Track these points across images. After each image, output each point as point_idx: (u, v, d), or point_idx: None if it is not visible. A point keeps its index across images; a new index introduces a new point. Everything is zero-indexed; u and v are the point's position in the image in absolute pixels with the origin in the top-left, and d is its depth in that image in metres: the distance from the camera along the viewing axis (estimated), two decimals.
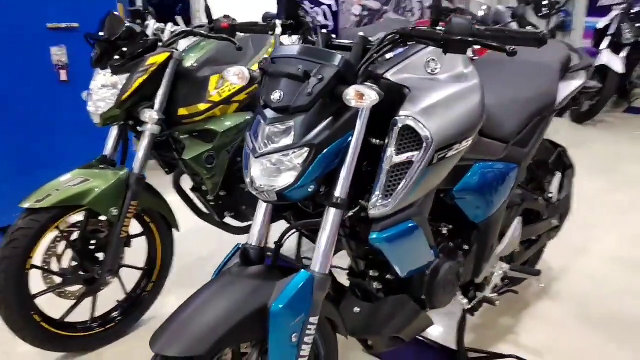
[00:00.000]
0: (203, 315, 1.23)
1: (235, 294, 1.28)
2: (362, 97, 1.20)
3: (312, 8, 5.54)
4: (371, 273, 1.68)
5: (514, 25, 4.22)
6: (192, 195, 2.44)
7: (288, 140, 1.27)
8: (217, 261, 2.95)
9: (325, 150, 1.28)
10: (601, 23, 5.51)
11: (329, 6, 5.70)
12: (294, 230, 1.54)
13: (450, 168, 1.46)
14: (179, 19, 2.43)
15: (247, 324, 1.24)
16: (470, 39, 1.23)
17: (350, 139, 1.31)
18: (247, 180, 1.35)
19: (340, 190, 1.31)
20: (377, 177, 1.36)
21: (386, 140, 1.35)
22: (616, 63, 5.13)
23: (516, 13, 4.23)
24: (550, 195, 2.24)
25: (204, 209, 2.48)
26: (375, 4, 6.28)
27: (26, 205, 1.93)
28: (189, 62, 2.12)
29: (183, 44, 2.15)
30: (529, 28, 4.32)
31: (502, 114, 1.82)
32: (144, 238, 2.30)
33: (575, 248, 2.98)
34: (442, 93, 1.40)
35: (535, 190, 2.23)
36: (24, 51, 2.92)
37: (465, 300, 1.92)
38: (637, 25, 5.30)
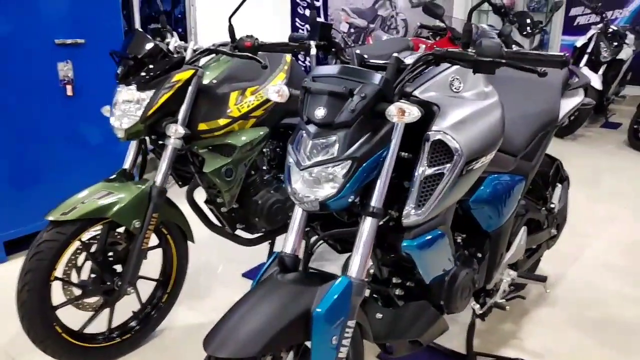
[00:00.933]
0: (251, 319, 1.29)
1: (279, 299, 1.35)
2: (403, 113, 1.29)
3: (302, 25, 5.66)
4: (394, 280, 1.77)
5: None
6: (204, 208, 2.49)
7: (332, 154, 1.35)
8: (225, 272, 3.03)
9: (365, 164, 1.37)
10: (580, 41, 5.75)
11: None
12: (319, 240, 1.62)
13: (474, 180, 1.56)
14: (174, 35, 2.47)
15: (292, 328, 1.31)
16: (500, 60, 1.34)
17: (385, 152, 1.40)
18: (289, 190, 1.43)
19: (376, 201, 1.40)
20: (410, 188, 1.45)
21: (420, 154, 1.44)
22: (595, 80, 5.36)
23: (502, 33, 4.41)
24: (552, 205, 2.36)
25: (215, 222, 2.53)
26: (362, 22, 6.44)
27: (51, 217, 1.96)
28: (208, 79, 2.19)
29: (201, 62, 2.22)
30: (513, 47, 4.50)
31: (511, 129, 1.93)
32: (157, 251, 2.35)
33: (567, 255, 3.11)
34: (469, 109, 1.50)
35: (537, 201, 2.35)
36: (32, 66, 2.95)
37: (477, 306, 2.02)
38: (614, 44, 5.55)
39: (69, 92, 3.10)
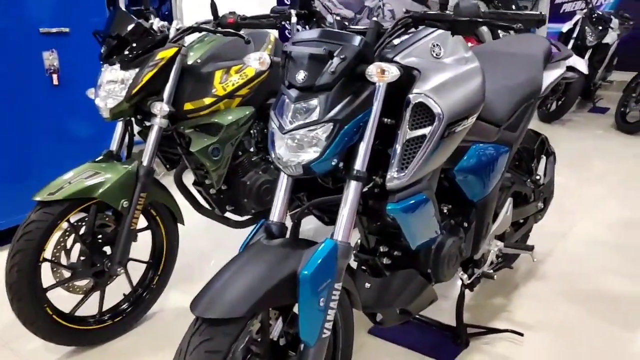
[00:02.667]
0: (238, 281, 1.30)
1: (266, 262, 1.35)
2: (383, 72, 1.31)
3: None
4: (381, 249, 1.78)
5: (484, 29, 4.43)
6: (193, 190, 2.49)
7: (313, 117, 1.36)
8: (215, 256, 3.03)
9: (347, 126, 1.38)
10: (566, 26, 5.79)
11: None
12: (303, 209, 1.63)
13: (457, 143, 1.58)
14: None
15: (279, 289, 1.31)
16: (477, 19, 1.36)
17: (367, 116, 1.41)
18: (273, 156, 1.44)
19: (360, 164, 1.41)
20: (392, 151, 1.47)
21: (402, 117, 1.45)
22: (581, 64, 5.39)
23: None
24: (537, 177, 2.38)
25: (204, 204, 2.54)
26: (349, 13, 6.45)
27: (39, 198, 1.97)
28: (193, 58, 2.20)
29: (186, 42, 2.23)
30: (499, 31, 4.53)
31: (494, 99, 1.95)
32: (147, 233, 2.35)
33: (556, 233, 3.14)
34: (449, 73, 1.52)
35: (523, 174, 2.37)
36: (17, 55, 2.95)
37: (465, 276, 2.03)
38: (599, 28, 5.59)
39: (55, 81, 3.10)
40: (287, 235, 1.54)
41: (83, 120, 3.30)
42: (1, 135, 2.96)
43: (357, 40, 1.37)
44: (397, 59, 1.48)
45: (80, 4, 3.18)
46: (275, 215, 1.55)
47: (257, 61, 1.51)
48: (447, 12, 1.40)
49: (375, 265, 1.80)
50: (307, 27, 1.65)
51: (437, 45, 1.57)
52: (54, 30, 3.06)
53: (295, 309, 1.47)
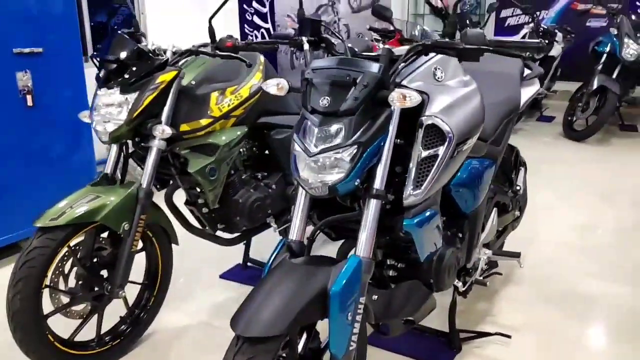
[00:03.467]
0: (273, 300, 1.36)
1: (295, 280, 1.41)
2: (405, 98, 1.40)
3: (251, 31, 5.72)
4: (388, 262, 1.87)
5: None
6: (183, 210, 2.51)
7: (337, 140, 1.44)
8: (203, 274, 3.04)
9: (369, 148, 1.46)
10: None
11: (267, 29, 5.91)
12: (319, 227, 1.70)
13: (462, 160, 1.69)
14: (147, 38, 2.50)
15: (310, 306, 1.38)
16: (485, 47, 1.47)
17: (384, 138, 1.50)
18: (298, 178, 1.51)
19: (379, 183, 1.50)
20: (408, 171, 1.56)
21: (415, 138, 1.55)
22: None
23: (446, 33, 4.64)
24: (517, 188, 2.54)
25: (195, 224, 2.55)
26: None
27: (40, 224, 1.94)
28: (187, 80, 2.23)
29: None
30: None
31: None
32: (139, 254, 2.35)
33: (524, 238, 3.31)
34: (454, 96, 1.63)
35: (504, 184, 2.52)
36: None
37: (460, 284, 2.15)
38: (545, 41, 5.92)
39: (29, 102, 3.04)
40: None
41: (58, 141, 3.25)
42: None
43: (375, 67, 1.46)
44: (404, 83, 1.57)
45: (53, 25, 3.13)
46: (294, 234, 1.61)
47: (275, 87, 1.58)
48: (457, 40, 1.51)
49: (381, 278, 1.89)
50: (316, 53, 1.72)
51: (439, 69, 1.68)
52: (27, 50, 3.01)
53: (318, 325, 1.55)
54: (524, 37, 6.03)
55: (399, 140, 1.61)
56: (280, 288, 1.40)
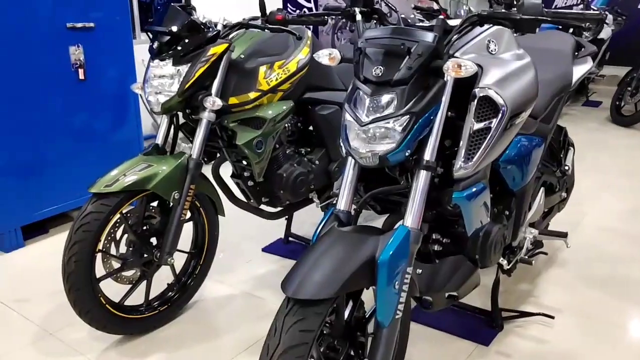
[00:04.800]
0: (323, 265, 1.38)
1: (345, 247, 1.43)
2: (460, 67, 1.39)
3: (294, 10, 5.72)
4: (434, 236, 1.87)
5: None
6: (229, 183, 2.55)
7: (390, 110, 1.44)
8: (246, 248, 3.09)
9: (421, 119, 1.46)
10: None
11: (309, 9, 5.90)
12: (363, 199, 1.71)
13: (514, 134, 1.67)
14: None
15: (359, 273, 1.39)
16: (542, 17, 1.45)
17: (436, 109, 1.50)
18: (348, 147, 1.52)
19: (429, 154, 1.50)
20: (460, 143, 1.55)
21: (468, 110, 1.54)
22: None
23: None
24: (566, 168, 2.50)
25: (240, 196, 2.60)
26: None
27: (95, 190, 2.01)
28: (236, 54, 2.25)
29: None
30: None
31: None
32: (188, 224, 2.41)
33: (568, 222, 3.26)
34: (508, 68, 1.61)
35: (552, 164, 2.48)
36: (44, 50, 2.97)
37: (505, 262, 2.13)
38: (606, 12, 5.71)
39: (81, 76, 3.13)
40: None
41: (107, 115, 3.34)
42: (28, 129, 2.99)
43: (430, 37, 1.45)
44: (457, 55, 1.56)
45: (105, 1, 3.20)
46: (342, 203, 1.62)
47: (326, 57, 1.59)
48: (513, 11, 1.49)
49: (426, 252, 1.89)
50: (369, 24, 1.72)
51: (493, 41, 1.65)
52: (79, 25, 3.09)
53: (362, 295, 1.57)
54: None
55: (450, 113, 1.60)
56: (330, 253, 1.41)
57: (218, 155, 2.52)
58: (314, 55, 1.62)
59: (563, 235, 2.32)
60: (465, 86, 1.56)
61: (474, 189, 1.62)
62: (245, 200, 2.60)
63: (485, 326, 2.29)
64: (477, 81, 1.54)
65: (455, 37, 1.59)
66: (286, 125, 2.51)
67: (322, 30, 6.08)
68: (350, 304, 1.57)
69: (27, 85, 2.93)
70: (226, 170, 2.52)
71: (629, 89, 5.47)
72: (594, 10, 5.76)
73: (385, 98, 1.45)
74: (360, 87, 1.50)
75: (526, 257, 2.23)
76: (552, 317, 2.32)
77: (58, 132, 3.11)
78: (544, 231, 2.31)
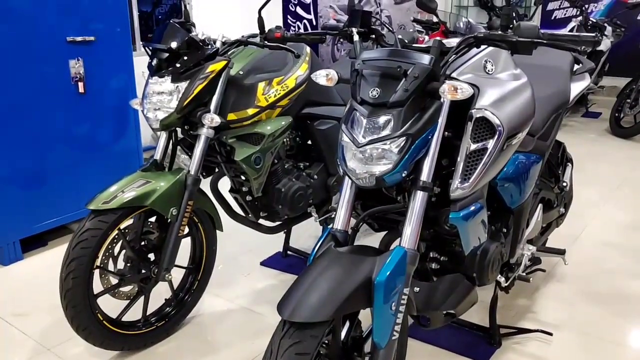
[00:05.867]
0: (319, 287, 1.38)
1: (341, 268, 1.43)
2: (456, 90, 1.40)
3: (294, 22, 5.75)
4: (431, 254, 1.87)
5: None
6: (228, 197, 2.56)
7: (386, 131, 1.45)
8: (244, 262, 3.09)
9: (417, 140, 1.46)
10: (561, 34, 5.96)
11: (309, 20, 5.93)
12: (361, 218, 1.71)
13: (511, 154, 1.68)
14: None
15: (356, 294, 1.39)
16: (538, 40, 1.46)
17: (432, 130, 1.50)
18: (345, 168, 1.52)
19: (426, 175, 1.50)
20: (456, 164, 1.56)
21: (464, 131, 1.54)
22: None
23: (491, 26, 4.57)
24: (564, 184, 2.50)
25: (239, 211, 2.60)
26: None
27: (93, 207, 2.01)
28: (235, 70, 2.26)
29: None
30: None
31: None
32: (186, 239, 2.41)
33: (568, 236, 3.26)
34: (505, 89, 1.62)
35: (550, 180, 2.48)
36: (44, 63, 2.98)
37: (503, 279, 2.13)
38: (600, 35, 5.76)
39: (81, 89, 3.14)
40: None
41: (107, 128, 3.35)
42: (27, 142, 2.99)
43: (427, 59, 1.46)
44: (454, 75, 1.57)
45: (105, 14, 3.22)
46: (339, 223, 1.62)
47: (324, 77, 1.59)
48: (509, 32, 1.49)
49: (424, 270, 1.89)
50: (366, 44, 1.73)
51: (490, 61, 1.66)
52: (79, 38, 3.10)
53: (359, 316, 1.57)
54: (571, 30, 5.87)
55: (447, 133, 1.61)
56: (327, 275, 1.41)
57: (216, 170, 2.53)
58: (311, 76, 1.62)
59: (561, 252, 2.32)
60: (462, 106, 1.57)
61: (471, 209, 1.63)
62: (243, 215, 2.60)
63: (483, 343, 2.28)
64: (473, 102, 1.55)
65: (452, 58, 1.61)
66: (285, 140, 2.52)
67: (321, 44, 6.11)
68: (347, 324, 1.57)
69: (27, 98, 2.94)
70: (225, 184, 2.53)
71: (628, 100, 5.48)
72: (592, 21, 5.80)
73: (382, 119, 1.46)
74: (357, 108, 1.51)
75: (524, 274, 2.23)
76: (551, 334, 2.31)
77: (57, 145, 3.12)
78: (542, 248, 2.31)
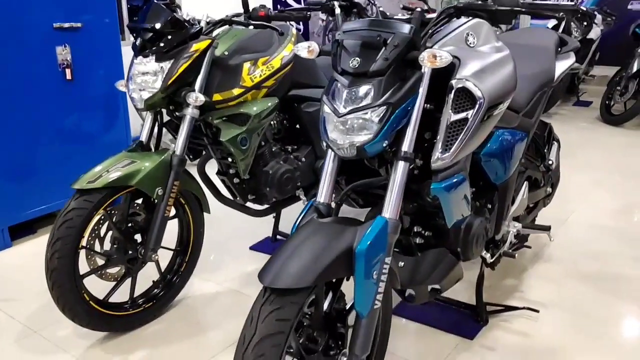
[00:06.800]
0: (300, 255, 1.38)
1: (323, 237, 1.43)
2: (435, 58, 1.40)
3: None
4: (415, 229, 1.88)
5: None
6: (215, 180, 2.56)
7: (367, 101, 1.45)
8: (233, 246, 3.09)
9: (398, 110, 1.47)
10: (551, 23, 5.96)
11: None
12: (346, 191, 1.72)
13: (492, 126, 1.68)
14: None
15: (337, 262, 1.39)
16: (518, 9, 1.46)
17: (413, 100, 1.51)
18: (327, 139, 1.53)
19: (407, 145, 1.50)
20: (438, 134, 1.56)
21: (445, 101, 1.55)
22: None
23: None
24: (550, 163, 2.51)
25: (226, 194, 2.60)
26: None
27: (78, 186, 2.01)
28: (220, 50, 2.26)
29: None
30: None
31: None
32: (172, 222, 2.41)
33: (557, 219, 3.28)
34: (486, 60, 1.62)
35: (536, 159, 2.49)
36: (31, 50, 2.97)
37: (488, 255, 2.14)
38: (584, 24, 5.78)
39: (68, 76, 3.12)
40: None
41: (95, 115, 3.34)
42: (14, 129, 2.98)
43: (407, 28, 1.46)
44: (435, 47, 1.57)
45: (92, 0, 3.21)
46: (322, 196, 1.63)
47: (305, 50, 1.59)
48: (489, 2, 1.50)
49: (408, 245, 1.89)
50: (349, 18, 1.73)
51: (471, 34, 1.67)
52: (66, 25, 3.09)
53: (342, 285, 1.57)
54: (559, 19, 5.88)
55: (429, 106, 1.62)
56: (308, 243, 1.42)
57: (204, 152, 2.53)
58: (293, 49, 1.62)
59: (546, 229, 2.33)
60: (445, 78, 1.58)
61: (453, 180, 1.63)
62: (231, 198, 2.60)
63: (470, 320, 2.29)
64: (454, 73, 1.56)
65: (432, 29, 1.61)
66: (272, 122, 2.52)
67: (313, 32, 6.11)
68: (330, 295, 1.58)
69: (13, 85, 2.93)
70: (212, 168, 2.53)
71: (618, 88, 5.51)
72: (582, 10, 5.81)
73: (362, 89, 1.46)
74: (338, 78, 1.51)
75: (510, 250, 2.24)
76: (537, 311, 2.33)
77: (45, 132, 3.11)
78: (528, 225, 2.32)
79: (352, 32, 1.51)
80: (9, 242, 3.07)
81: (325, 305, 1.57)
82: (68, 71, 3.12)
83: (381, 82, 1.45)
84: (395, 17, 1.65)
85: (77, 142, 3.26)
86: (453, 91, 1.54)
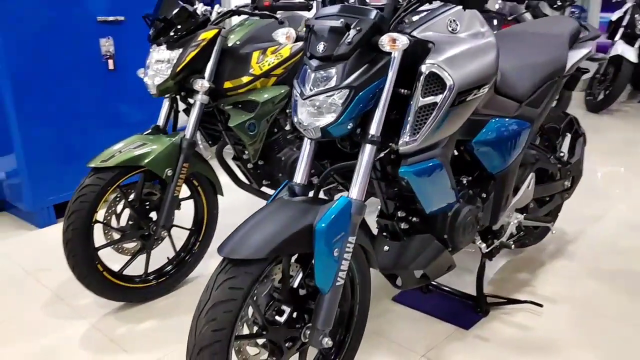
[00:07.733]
0: (260, 229, 1.45)
1: (286, 214, 1.49)
2: (394, 42, 1.43)
3: None
4: (399, 214, 1.90)
5: (528, 16, 4.43)
6: (233, 165, 2.67)
7: (331, 84, 1.50)
8: None
9: (362, 92, 1.50)
10: (615, 15, 5.68)
11: None
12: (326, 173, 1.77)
13: (469, 112, 1.68)
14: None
15: (296, 238, 1.45)
16: None
17: (383, 84, 1.54)
18: (295, 120, 1.59)
19: (374, 129, 1.53)
20: (405, 118, 1.58)
21: (414, 86, 1.57)
22: (630, 53, 5.29)
23: (530, 4, 4.45)
24: (561, 154, 2.44)
25: (243, 179, 2.71)
26: None
27: (92, 164, 2.18)
28: (233, 41, 2.37)
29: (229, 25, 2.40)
30: None
31: (515, 76, 2.03)
32: (190, 204, 2.55)
33: (590, 215, 3.16)
34: (463, 47, 1.63)
35: (547, 151, 2.43)
36: (76, 42, 3.20)
37: (484, 245, 2.12)
38: None
39: (111, 66, 3.35)
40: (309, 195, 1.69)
41: (134, 104, 3.55)
42: (60, 115, 3.23)
43: (373, 13, 1.50)
44: (414, 33, 1.59)
45: None
46: (298, 177, 1.69)
47: (283, 36, 1.66)
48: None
49: (394, 230, 1.92)
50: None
51: (454, 21, 1.67)
52: (110, 18, 3.31)
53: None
54: (625, 11, 5.59)
55: (405, 91, 1.64)
56: (270, 219, 1.49)
57: (221, 138, 2.65)
58: (272, 35, 1.70)
59: (547, 220, 2.27)
60: (419, 63, 1.59)
61: (425, 165, 1.64)
62: (247, 183, 2.71)
63: (469, 311, 2.28)
64: (426, 58, 1.57)
65: (414, 17, 1.63)
66: (287, 110, 2.60)
67: None
68: (301, 271, 1.64)
69: (60, 75, 3.18)
70: (231, 154, 2.64)
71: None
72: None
73: (326, 72, 1.51)
74: (307, 62, 1.57)
75: (510, 242, 2.21)
76: (541, 306, 2.28)
77: (88, 118, 3.35)
78: (530, 217, 2.27)
79: (322, 18, 1.56)
80: (54, 219, 3.34)
81: (297, 282, 1.63)
82: (110, 62, 3.34)
83: (345, 66, 1.49)
84: (373, 3, 1.68)
85: (117, 127, 3.47)
86: (423, 76, 1.56)
